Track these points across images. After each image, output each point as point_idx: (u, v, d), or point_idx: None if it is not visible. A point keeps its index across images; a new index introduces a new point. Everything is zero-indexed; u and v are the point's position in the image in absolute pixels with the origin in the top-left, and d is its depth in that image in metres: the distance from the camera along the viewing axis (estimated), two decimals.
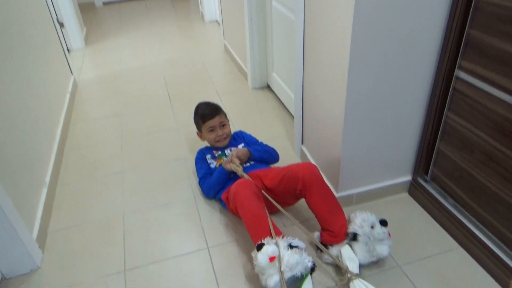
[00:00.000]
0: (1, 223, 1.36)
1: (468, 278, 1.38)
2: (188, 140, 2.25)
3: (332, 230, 1.40)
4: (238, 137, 1.95)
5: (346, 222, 1.42)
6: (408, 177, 1.73)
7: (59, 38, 2.84)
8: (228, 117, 1.92)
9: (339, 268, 1.37)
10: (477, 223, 1.45)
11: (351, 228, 1.37)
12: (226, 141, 1.86)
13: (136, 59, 3.46)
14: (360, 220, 1.36)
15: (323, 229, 1.45)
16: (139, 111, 2.61)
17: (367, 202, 1.72)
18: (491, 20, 1.20)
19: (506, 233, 1.32)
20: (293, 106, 2.29)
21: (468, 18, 1.28)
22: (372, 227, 1.35)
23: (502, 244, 1.35)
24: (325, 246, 1.41)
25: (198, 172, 1.84)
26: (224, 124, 1.86)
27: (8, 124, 1.59)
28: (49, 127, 2.12)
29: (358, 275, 1.28)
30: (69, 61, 2.98)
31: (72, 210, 1.79)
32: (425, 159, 1.64)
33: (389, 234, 1.37)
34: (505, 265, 1.32)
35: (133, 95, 2.83)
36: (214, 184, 1.71)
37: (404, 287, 1.36)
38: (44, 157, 1.93)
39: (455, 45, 1.35)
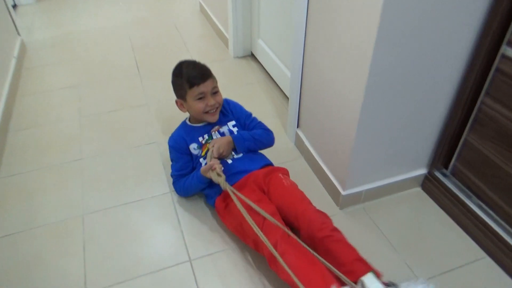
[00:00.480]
0: None
1: None
2: (161, 119, 1.90)
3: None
4: (226, 111, 1.53)
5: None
6: (423, 170, 1.49)
7: None
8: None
9: None
10: (509, 228, 1.23)
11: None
12: (217, 115, 1.45)
13: (97, 19, 2.99)
14: None
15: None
16: (101, 82, 2.21)
17: (376, 199, 1.47)
18: None
19: None
20: (283, 79, 1.98)
21: None
22: None
23: None
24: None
25: (172, 163, 1.49)
26: (216, 91, 1.43)
27: None
28: None
29: None
30: (14, 19, 2.49)
31: (18, 211, 1.45)
32: (447, 151, 1.39)
33: None
34: None
35: (93, 61, 2.41)
36: (192, 189, 1.42)
37: None
38: None
39: (506, 15, 1.06)
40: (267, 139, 1.50)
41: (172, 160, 1.49)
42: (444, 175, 1.45)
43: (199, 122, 1.48)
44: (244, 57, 2.43)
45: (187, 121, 1.52)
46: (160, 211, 1.44)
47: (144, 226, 1.39)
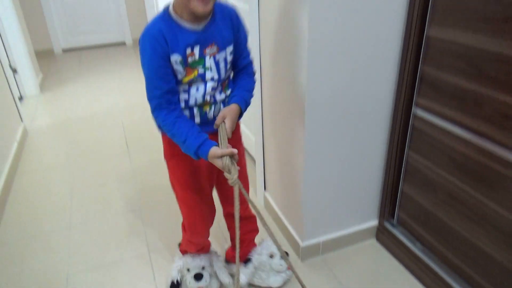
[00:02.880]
0: None
1: None
2: (145, 189, 2.10)
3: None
4: (232, 23, 1.08)
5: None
6: (374, 222, 1.66)
7: (8, 84, 2.70)
8: None
9: None
10: (448, 269, 1.37)
11: (250, 254, 1.44)
12: (210, 6, 0.98)
13: (93, 106, 3.33)
14: (260, 248, 1.44)
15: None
16: (93, 159, 2.45)
17: (334, 251, 1.62)
18: (443, 55, 1.19)
19: (477, 279, 1.24)
20: (253, 147, 2.22)
21: (420, 54, 1.27)
22: (271, 256, 1.41)
23: None
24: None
25: (149, 79, 1.04)
26: None
27: None
28: None
29: None
30: (19, 108, 2.82)
31: (8, 275, 1.58)
32: (390, 201, 1.58)
33: (289, 268, 1.34)
34: None
35: (87, 143, 2.68)
36: (176, 141, 1.08)
37: None
38: None
39: (410, 82, 1.33)
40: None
41: (149, 76, 1.03)
42: (392, 225, 1.61)
43: (188, 17, 1.01)
44: None
45: (171, 10, 1.01)
46: (138, 270, 1.58)
47: (122, 284, 1.51)
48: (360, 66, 1.29)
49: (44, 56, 4.77)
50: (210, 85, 1.09)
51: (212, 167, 1.12)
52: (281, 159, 1.60)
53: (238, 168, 1.03)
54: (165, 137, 1.19)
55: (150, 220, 1.86)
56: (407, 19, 1.26)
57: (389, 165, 1.51)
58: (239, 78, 1.17)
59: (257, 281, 1.44)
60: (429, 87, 1.27)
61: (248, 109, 1.13)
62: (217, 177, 1.31)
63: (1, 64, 2.64)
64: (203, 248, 1.43)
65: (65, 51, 5.13)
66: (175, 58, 1.01)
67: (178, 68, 1.03)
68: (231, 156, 1.02)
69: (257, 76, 1.26)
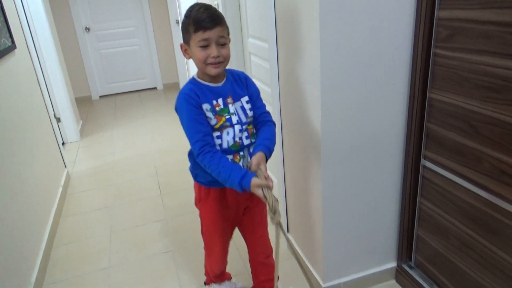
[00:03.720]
0: None
1: None
2: (176, 231, 2.27)
3: None
4: (243, 83, 1.41)
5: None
6: (393, 264, 1.74)
7: (54, 133, 2.98)
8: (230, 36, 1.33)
9: None
10: None
11: None
12: (220, 69, 1.30)
13: (128, 150, 3.59)
14: None
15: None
16: (129, 202, 2.65)
17: None
18: (444, 115, 1.32)
19: None
20: (276, 190, 2.36)
21: (425, 113, 1.41)
22: None
23: None
24: None
25: (190, 129, 1.31)
26: (224, 43, 1.27)
27: None
28: (38, 222, 2.15)
29: None
30: (63, 155, 3.09)
31: None
32: (407, 245, 1.67)
33: None
34: None
35: (124, 186, 2.90)
36: (219, 178, 1.29)
37: None
38: (31, 254, 1.93)
39: (418, 138, 1.46)
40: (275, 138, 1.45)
41: (189, 124, 1.30)
42: (410, 267, 1.69)
43: (208, 80, 1.34)
44: None
45: (196, 77, 1.37)
46: None
47: None
48: (372, 123, 1.44)
49: (82, 102, 5.16)
50: (237, 127, 1.35)
51: (236, 214, 1.47)
52: (302, 203, 1.73)
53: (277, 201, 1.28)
54: (196, 184, 1.46)
55: (182, 260, 2.01)
56: (410, 84, 1.41)
57: (403, 211, 1.62)
58: (260, 130, 1.42)
59: None
60: (434, 142, 1.40)
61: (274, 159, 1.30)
62: (245, 228, 1.53)
63: (48, 114, 2.94)
64: (223, 274, 1.64)
65: (102, 97, 5.52)
66: (206, 106, 1.30)
67: (210, 115, 1.31)
68: (270, 187, 1.22)
69: (277, 122, 1.50)
